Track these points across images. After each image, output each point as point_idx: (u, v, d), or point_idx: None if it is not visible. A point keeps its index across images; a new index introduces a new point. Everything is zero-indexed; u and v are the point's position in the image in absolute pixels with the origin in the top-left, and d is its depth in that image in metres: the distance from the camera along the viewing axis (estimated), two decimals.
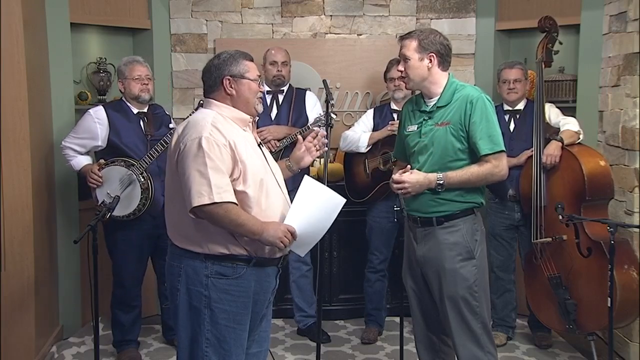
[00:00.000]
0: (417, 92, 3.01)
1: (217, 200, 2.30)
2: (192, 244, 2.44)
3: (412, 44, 2.83)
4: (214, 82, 2.51)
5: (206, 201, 2.30)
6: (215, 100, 2.52)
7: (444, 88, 2.86)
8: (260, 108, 2.59)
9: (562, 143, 3.68)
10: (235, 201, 2.36)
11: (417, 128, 2.90)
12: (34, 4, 3.80)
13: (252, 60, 2.57)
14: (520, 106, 3.99)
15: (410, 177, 2.78)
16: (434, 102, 2.87)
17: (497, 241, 4.07)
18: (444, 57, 2.85)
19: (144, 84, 3.72)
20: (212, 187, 2.30)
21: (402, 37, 2.90)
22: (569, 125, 3.78)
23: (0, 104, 3.36)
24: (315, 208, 2.51)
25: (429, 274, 2.91)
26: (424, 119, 2.88)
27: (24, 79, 3.51)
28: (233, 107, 2.51)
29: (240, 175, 2.40)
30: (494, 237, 4.08)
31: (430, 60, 2.83)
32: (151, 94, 3.79)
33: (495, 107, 4.14)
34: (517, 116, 3.99)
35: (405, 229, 3.06)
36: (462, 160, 2.81)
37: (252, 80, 2.52)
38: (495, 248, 4.09)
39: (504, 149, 2.81)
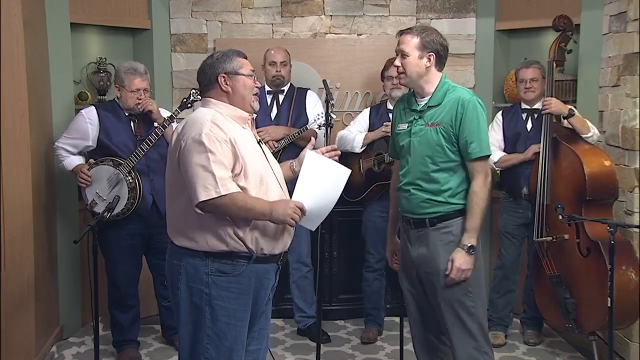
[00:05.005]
0: (409, 90, 2.99)
1: (223, 192, 2.32)
2: (191, 242, 2.44)
3: (414, 41, 2.79)
4: (209, 81, 2.52)
5: (213, 195, 2.32)
6: (213, 98, 2.53)
7: (436, 88, 2.84)
8: (256, 105, 2.58)
9: (570, 114, 3.70)
10: (239, 190, 2.38)
11: (407, 127, 2.88)
12: (34, 4, 3.80)
13: (245, 57, 2.57)
14: (538, 105, 3.95)
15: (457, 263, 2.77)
16: (425, 102, 2.86)
17: (508, 239, 4.07)
18: (442, 58, 2.84)
19: (140, 98, 3.70)
20: (217, 180, 2.32)
21: (402, 32, 2.85)
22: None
23: (0, 104, 3.36)
24: (322, 181, 2.53)
25: (424, 275, 2.90)
26: (414, 118, 2.87)
27: (24, 79, 3.51)
28: (230, 104, 2.52)
29: (242, 171, 2.41)
30: (505, 235, 4.09)
31: (429, 59, 2.81)
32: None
33: (513, 106, 4.16)
34: (535, 115, 3.97)
35: (400, 230, 3.05)
36: (454, 161, 2.79)
37: (246, 75, 2.52)
38: (505, 246, 4.09)
39: (490, 153, 2.84)
